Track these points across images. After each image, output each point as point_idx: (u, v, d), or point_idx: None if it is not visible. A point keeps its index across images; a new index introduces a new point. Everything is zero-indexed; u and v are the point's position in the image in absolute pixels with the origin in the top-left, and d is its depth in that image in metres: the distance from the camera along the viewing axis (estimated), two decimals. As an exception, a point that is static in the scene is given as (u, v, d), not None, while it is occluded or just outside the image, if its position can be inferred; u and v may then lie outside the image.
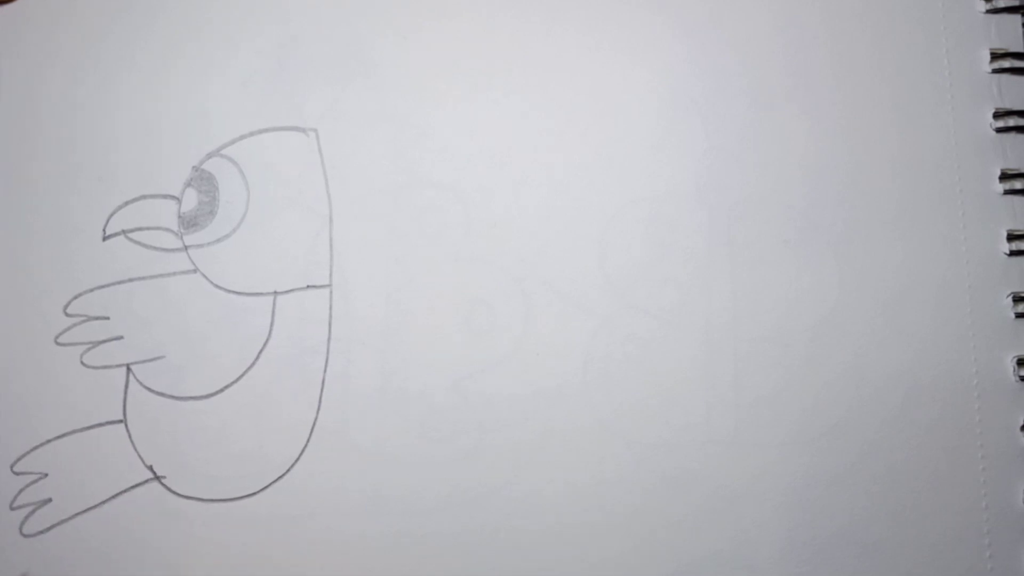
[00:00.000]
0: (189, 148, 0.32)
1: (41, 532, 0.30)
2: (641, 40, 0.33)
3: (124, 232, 0.32)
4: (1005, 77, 0.32)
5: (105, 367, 0.31)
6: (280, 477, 0.30)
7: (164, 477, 0.31)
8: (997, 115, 0.32)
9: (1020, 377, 0.30)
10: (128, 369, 0.31)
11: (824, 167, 0.32)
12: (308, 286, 0.31)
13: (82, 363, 0.31)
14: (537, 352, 0.31)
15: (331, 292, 0.31)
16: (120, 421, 0.31)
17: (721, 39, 0.32)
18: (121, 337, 0.31)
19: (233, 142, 0.32)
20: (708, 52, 0.32)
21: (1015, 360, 0.30)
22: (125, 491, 0.31)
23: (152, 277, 0.32)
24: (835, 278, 0.31)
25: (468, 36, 0.33)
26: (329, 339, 0.31)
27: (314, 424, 0.31)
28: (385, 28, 0.33)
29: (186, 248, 0.32)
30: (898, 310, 0.31)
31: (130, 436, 0.31)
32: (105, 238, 0.32)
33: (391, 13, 0.33)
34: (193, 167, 0.32)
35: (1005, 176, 0.31)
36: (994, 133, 0.32)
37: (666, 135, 0.32)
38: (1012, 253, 0.31)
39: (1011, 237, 0.31)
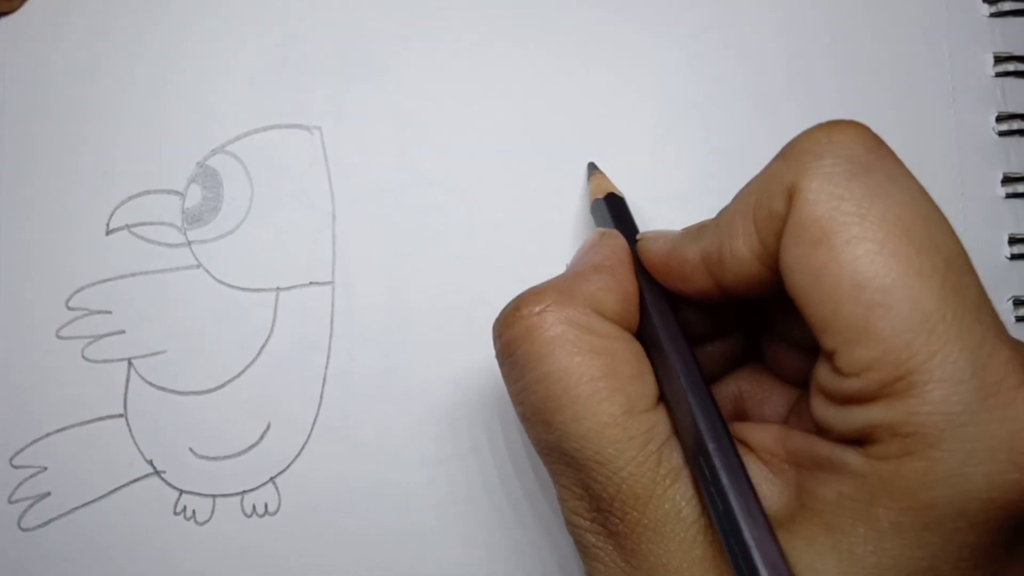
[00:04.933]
0: (193, 144, 0.32)
1: (40, 526, 0.30)
2: (642, 42, 0.33)
3: (128, 227, 0.32)
4: (1009, 80, 0.32)
5: (106, 361, 0.31)
6: (280, 472, 0.30)
7: (164, 472, 0.31)
8: (1000, 119, 0.32)
9: (1021, 381, 0.30)
10: (129, 363, 0.31)
11: (826, 170, 0.32)
12: (311, 282, 0.31)
13: (83, 357, 0.31)
14: (538, 351, 0.31)
15: (333, 289, 0.31)
16: (121, 415, 0.31)
17: (722, 42, 0.33)
18: (123, 331, 0.31)
19: (238, 139, 0.32)
20: (709, 55, 0.33)
21: (1016, 364, 0.30)
22: (125, 485, 0.31)
23: (155, 272, 0.32)
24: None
25: (471, 37, 0.33)
26: (331, 335, 0.31)
27: (315, 420, 0.31)
28: (390, 28, 0.33)
29: (189, 244, 0.32)
30: (899, 313, 0.31)
31: (130, 431, 0.31)
32: (108, 233, 0.32)
33: (396, 13, 0.33)
34: (197, 163, 0.32)
35: (1007, 180, 0.31)
36: (997, 137, 0.32)
37: (666, 137, 0.32)
38: (1013, 257, 0.31)
39: (1013, 241, 0.31)
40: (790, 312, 0.21)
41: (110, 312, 0.31)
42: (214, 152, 0.32)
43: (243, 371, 0.31)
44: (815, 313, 0.20)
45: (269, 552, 0.30)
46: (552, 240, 0.32)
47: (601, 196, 0.29)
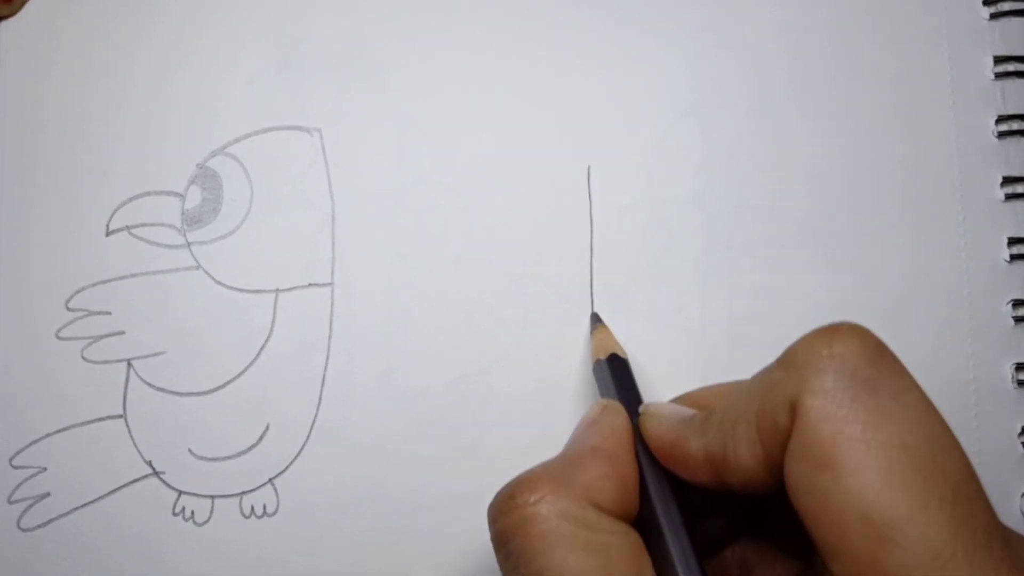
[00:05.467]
0: (194, 146, 0.32)
1: (39, 526, 0.30)
2: (640, 44, 0.33)
3: (128, 228, 0.32)
4: (1008, 82, 0.32)
5: (106, 362, 0.31)
6: (279, 474, 0.30)
7: (163, 473, 0.31)
8: (1000, 120, 0.32)
9: (1019, 382, 0.30)
10: (129, 364, 0.31)
11: (824, 172, 0.32)
12: (310, 284, 0.31)
13: (83, 358, 0.31)
14: (536, 352, 0.31)
15: (333, 290, 0.31)
16: (120, 416, 0.31)
17: (720, 44, 0.33)
18: (123, 332, 0.31)
19: (238, 140, 0.32)
20: (707, 57, 0.33)
21: (1014, 366, 0.30)
22: (124, 486, 0.31)
23: (154, 273, 0.32)
24: (835, 283, 0.31)
25: (471, 39, 0.33)
26: (330, 337, 0.31)
27: (314, 421, 0.31)
28: (390, 29, 0.33)
29: (189, 245, 0.32)
30: (898, 315, 0.31)
31: (130, 431, 0.31)
32: (108, 233, 0.32)
33: (396, 14, 0.33)
34: (198, 164, 0.32)
35: (1007, 181, 0.31)
36: (996, 138, 0.32)
37: (664, 139, 0.32)
38: (1013, 258, 0.31)
39: (1012, 242, 0.31)
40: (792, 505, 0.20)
41: (110, 313, 0.31)
42: (214, 154, 0.32)
43: (242, 372, 0.31)
44: (821, 537, 0.19)
45: (268, 553, 0.30)
46: (551, 241, 0.32)
47: (603, 356, 0.28)
